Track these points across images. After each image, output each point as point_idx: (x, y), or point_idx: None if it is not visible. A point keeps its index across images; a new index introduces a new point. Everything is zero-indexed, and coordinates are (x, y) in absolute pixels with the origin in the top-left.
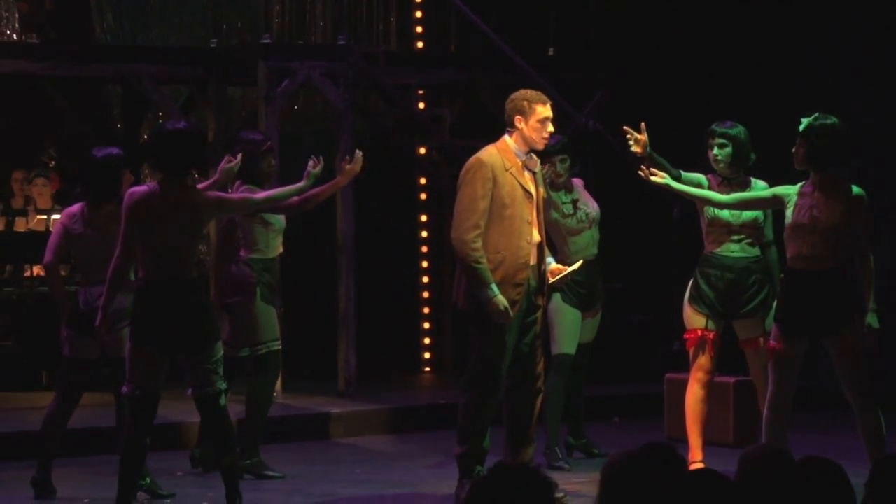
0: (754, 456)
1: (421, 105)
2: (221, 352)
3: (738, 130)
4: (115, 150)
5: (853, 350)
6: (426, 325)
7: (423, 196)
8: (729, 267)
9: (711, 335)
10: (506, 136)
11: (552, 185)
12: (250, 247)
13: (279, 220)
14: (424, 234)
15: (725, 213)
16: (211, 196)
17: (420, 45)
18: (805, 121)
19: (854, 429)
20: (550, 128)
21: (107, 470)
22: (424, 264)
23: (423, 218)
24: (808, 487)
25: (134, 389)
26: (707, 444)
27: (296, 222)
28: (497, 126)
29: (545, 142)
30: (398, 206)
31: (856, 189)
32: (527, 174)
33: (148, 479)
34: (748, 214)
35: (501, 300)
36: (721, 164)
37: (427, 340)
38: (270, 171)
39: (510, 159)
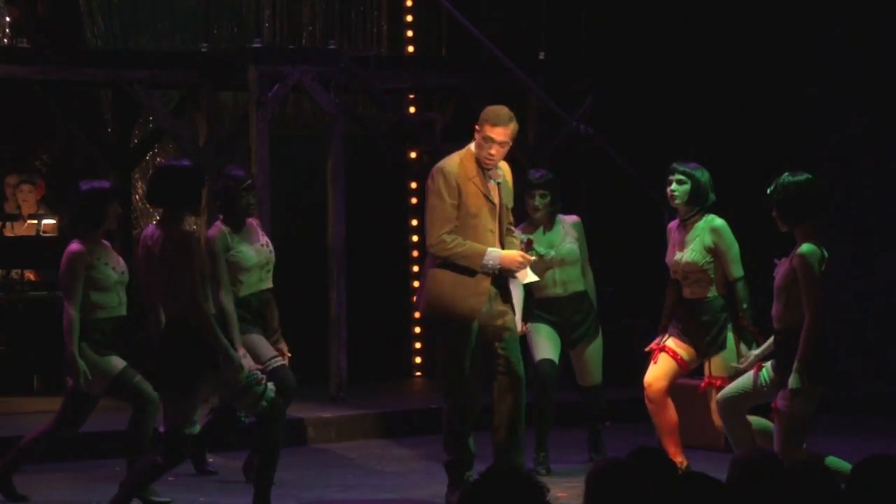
0: (745, 460)
1: (412, 109)
2: (244, 373)
3: (699, 171)
4: (99, 184)
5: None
6: (417, 330)
7: (414, 200)
8: (693, 309)
9: (664, 346)
10: (472, 144)
11: (529, 220)
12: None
13: (249, 257)
14: (415, 238)
15: (672, 261)
16: (191, 240)
17: (411, 49)
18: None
19: (846, 432)
20: (493, 150)
21: (98, 475)
22: (415, 268)
23: (414, 222)
24: (797, 491)
25: (169, 427)
26: (698, 448)
27: (287, 226)
28: None
29: (488, 161)
30: (389, 210)
31: (803, 248)
32: (491, 183)
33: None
34: (688, 259)
35: (508, 252)
36: (677, 201)
37: (418, 345)
38: (249, 209)
39: (472, 168)
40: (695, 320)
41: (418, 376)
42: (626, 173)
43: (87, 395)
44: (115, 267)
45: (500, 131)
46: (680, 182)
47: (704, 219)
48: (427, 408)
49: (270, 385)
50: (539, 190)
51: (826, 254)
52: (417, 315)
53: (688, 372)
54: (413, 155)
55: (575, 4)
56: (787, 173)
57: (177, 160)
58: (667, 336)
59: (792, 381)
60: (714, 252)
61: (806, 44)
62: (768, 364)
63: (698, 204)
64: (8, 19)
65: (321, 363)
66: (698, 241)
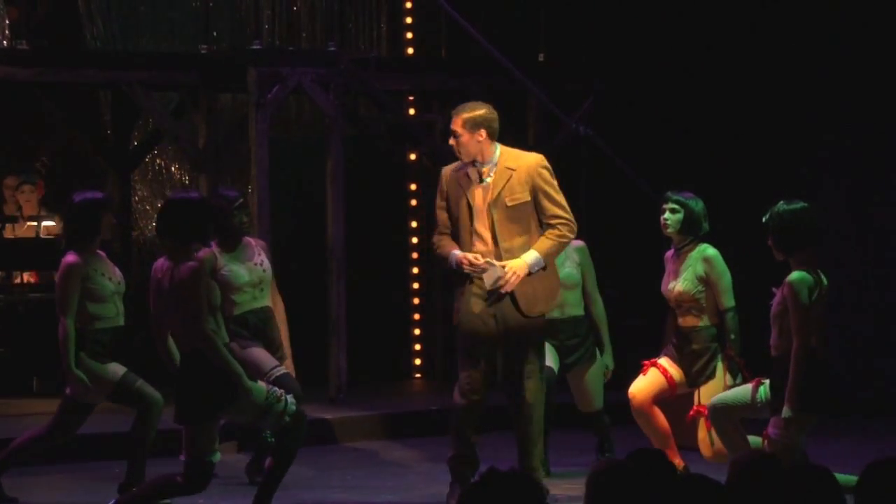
0: (744, 462)
1: (411, 111)
2: (262, 395)
3: (693, 200)
4: (92, 195)
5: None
6: (416, 332)
7: (414, 202)
8: (684, 338)
9: (655, 362)
10: None
11: None
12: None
13: (240, 275)
14: (415, 240)
15: (666, 290)
16: (197, 268)
17: (410, 50)
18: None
19: (841, 435)
20: (451, 142)
21: (96, 477)
22: (415, 270)
23: (414, 224)
24: (797, 493)
25: (190, 456)
26: (695, 450)
27: (287, 227)
28: None
29: (457, 154)
30: (388, 212)
31: (792, 275)
32: (479, 183)
33: None
34: (680, 288)
35: (467, 254)
36: (669, 230)
37: (417, 346)
38: (242, 228)
39: (457, 170)
40: (685, 349)
41: (418, 378)
42: (625, 175)
43: (85, 405)
44: (111, 277)
45: (452, 121)
46: (673, 211)
47: (697, 248)
48: (427, 409)
49: (290, 398)
50: None
51: (825, 280)
52: (418, 316)
53: (675, 393)
54: (413, 156)
55: (574, 6)
56: (781, 202)
57: (185, 192)
58: (661, 356)
59: (784, 410)
60: (706, 281)
61: (805, 49)
62: (767, 382)
63: (692, 233)
64: (7, 21)
65: (321, 364)
66: (691, 270)
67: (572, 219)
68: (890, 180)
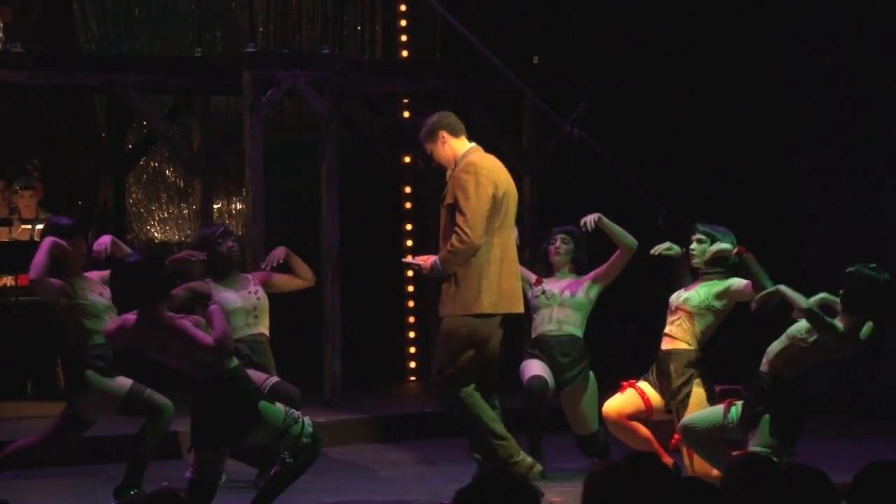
0: (740, 464)
1: (406, 113)
2: (280, 417)
3: (722, 234)
4: (63, 220)
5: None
6: (411, 334)
7: (408, 205)
8: (664, 359)
9: (634, 385)
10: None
11: (548, 262)
12: None
13: (231, 301)
14: (409, 242)
15: (674, 296)
16: (178, 326)
17: (405, 53)
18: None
19: (836, 438)
20: (433, 164)
21: (94, 480)
22: (409, 273)
23: (408, 227)
24: (792, 495)
25: (199, 477)
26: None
27: (281, 231)
28: (481, 134)
29: (443, 168)
30: (383, 214)
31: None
32: None
33: (139, 490)
34: (686, 295)
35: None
36: (696, 260)
37: (412, 349)
38: (231, 254)
39: None
40: (664, 369)
41: (412, 380)
42: (619, 177)
43: (87, 421)
44: (101, 293)
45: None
46: (700, 241)
47: (724, 280)
48: (422, 412)
49: (307, 420)
50: (561, 234)
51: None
52: (412, 320)
53: (652, 417)
54: (407, 159)
55: (568, 9)
56: (873, 264)
57: (129, 256)
58: (641, 379)
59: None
60: (728, 295)
61: (804, 50)
62: (739, 403)
63: (719, 265)
64: (1, 24)
65: (316, 367)
66: (707, 287)
67: (466, 229)
68: (889, 183)
